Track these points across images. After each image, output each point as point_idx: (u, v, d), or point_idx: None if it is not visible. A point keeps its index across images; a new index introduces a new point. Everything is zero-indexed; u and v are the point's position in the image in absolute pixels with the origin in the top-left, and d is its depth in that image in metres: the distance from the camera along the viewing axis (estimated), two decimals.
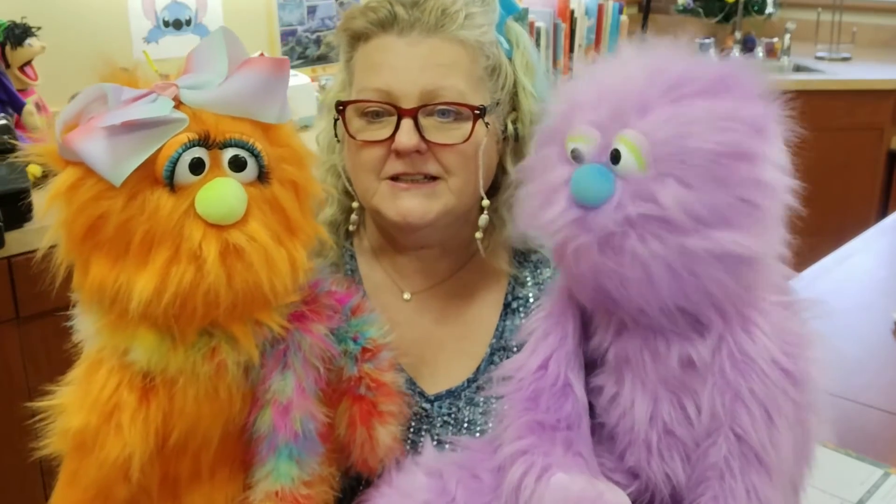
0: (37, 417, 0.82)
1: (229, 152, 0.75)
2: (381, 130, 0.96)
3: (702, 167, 0.70)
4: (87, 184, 0.73)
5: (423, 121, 0.95)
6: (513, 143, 1.04)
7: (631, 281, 0.73)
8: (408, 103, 0.94)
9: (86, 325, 0.82)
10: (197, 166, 0.74)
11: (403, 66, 0.95)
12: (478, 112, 0.96)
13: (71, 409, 0.78)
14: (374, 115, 0.96)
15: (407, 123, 0.94)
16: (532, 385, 0.84)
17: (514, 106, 1.03)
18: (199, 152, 0.74)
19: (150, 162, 0.73)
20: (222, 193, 0.74)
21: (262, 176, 0.77)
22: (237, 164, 0.76)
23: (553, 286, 0.90)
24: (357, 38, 0.99)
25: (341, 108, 0.98)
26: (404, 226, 0.98)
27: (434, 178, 0.97)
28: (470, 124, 0.96)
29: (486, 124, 0.98)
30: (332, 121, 1.02)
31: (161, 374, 0.77)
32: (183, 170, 0.73)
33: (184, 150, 0.73)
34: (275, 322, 0.80)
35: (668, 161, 0.71)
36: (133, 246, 0.73)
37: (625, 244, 0.72)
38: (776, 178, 0.73)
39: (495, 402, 0.89)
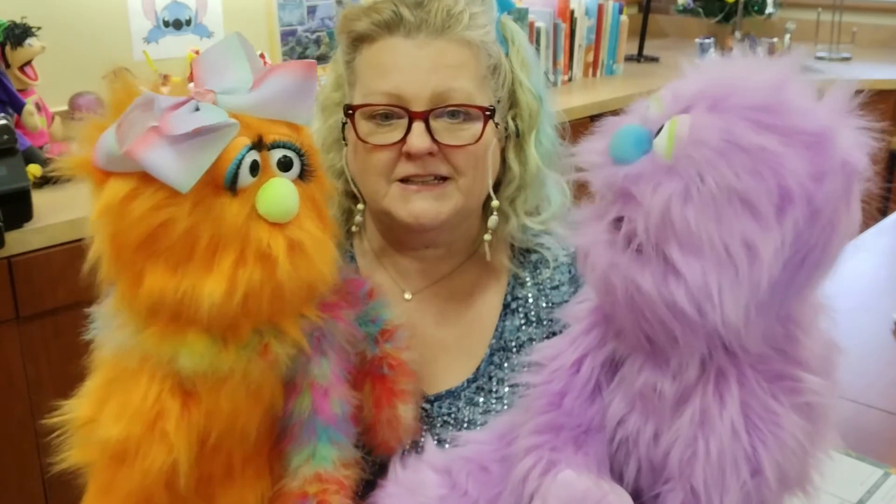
0: (48, 432, 0.81)
1: (277, 153, 0.78)
2: (391, 133, 0.96)
3: (712, 191, 0.65)
4: (144, 193, 0.73)
5: (434, 123, 0.95)
6: (514, 140, 1.04)
7: (600, 264, 0.73)
8: (418, 106, 0.94)
9: (118, 337, 0.80)
10: (254, 168, 0.76)
11: (412, 68, 0.95)
12: (488, 113, 0.97)
13: (107, 419, 0.78)
14: (383, 118, 0.96)
15: (418, 126, 0.94)
16: (562, 381, 0.82)
17: (513, 102, 1.04)
18: (254, 155, 0.76)
19: (210, 167, 0.74)
20: (282, 193, 0.77)
21: (304, 174, 0.80)
22: (285, 165, 0.78)
23: None
24: (360, 40, 0.99)
25: (350, 111, 0.98)
26: (417, 227, 0.98)
27: (444, 179, 0.97)
28: (479, 124, 0.97)
29: (496, 124, 0.99)
30: (334, 121, 1.02)
31: (205, 378, 0.78)
32: (245, 173, 0.75)
33: (245, 154, 0.75)
34: (313, 312, 0.84)
35: (689, 164, 0.67)
36: (198, 251, 0.74)
37: (605, 216, 0.71)
38: (767, 255, 0.65)
39: (520, 390, 0.88)
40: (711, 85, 0.70)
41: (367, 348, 0.93)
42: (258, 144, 0.76)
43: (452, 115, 0.96)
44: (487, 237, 1.04)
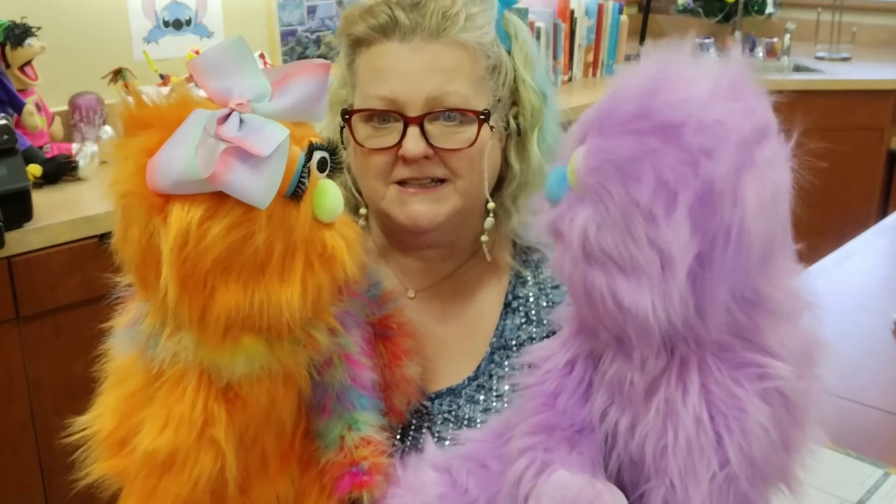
0: (52, 431, 0.81)
1: (317, 155, 0.79)
2: (388, 137, 0.96)
3: (613, 210, 0.68)
4: (220, 213, 0.71)
5: (429, 126, 0.95)
6: (516, 137, 1.04)
7: (566, 285, 0.76)
8: (413, 111, 0.95)
9: (158, 352, 0.79)
10: (322, 170, 0.78)
11: (407, 73, 0.95)
12: (483, 117, 0.97)
13: (151, 431, 0.78)
14: (380, 121, 0.97)
15: (413, 131, 0.95)
16: (555, 382, 0.83)
17: (515, 100, 1.04)
18: (315, 159, 0.78)
19: None
20: (334, 195, 0.79)
21: (332, 171, 0.82)
22: (322, 166, 0.79)
23: None
24: (358, 44, 0.99)
25: (347, 116, 0.99)
26: (414, 229, 0.99)
27: (441, 181, 0.98)
28: (475, 128, 0.97)
29: (491, 127, 0.99)
30: (338, 123, 1.02)
31: (251, 378, 0.78)
32: (304, 180, 0.76)
33: (305, 163, 0.76)
34: (336, 294, 0.85)
35: (590, 191, 0.70)
36: (272, 263, 0.74)
37: (555, 250, 0.74)
38: (676, 249, 0.66)
39: (514, 391, 0.89)
40: (599, 108, 0.73)
41: (374, 312, 0.95)
42: (308, 150, 0.77)
43: (448, 117, 0.96)
44: (485, 238, 1.05)
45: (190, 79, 0.81)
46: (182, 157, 0.70)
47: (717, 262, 0.68)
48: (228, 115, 0.72)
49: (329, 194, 0.78)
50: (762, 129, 0.69)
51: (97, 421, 0.83)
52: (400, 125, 0.95)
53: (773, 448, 0.73)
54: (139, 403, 0.80)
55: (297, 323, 0.76)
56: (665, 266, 0.67)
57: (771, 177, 0.68)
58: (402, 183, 0.97)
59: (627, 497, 0.81)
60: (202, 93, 0.78)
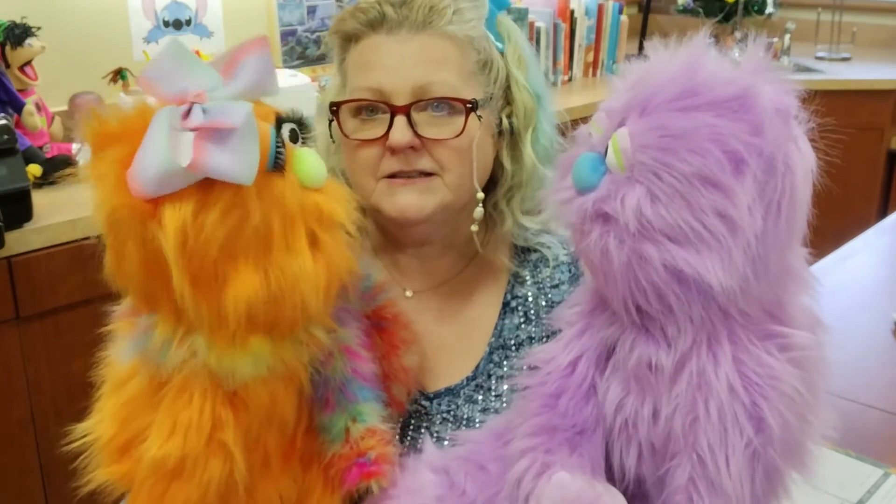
0: (51, 433, 0.81)
1: (286, 128, 0.79)
2: (375, 129, 0.96)
3: (672, 184, 0.70)
4: (210, 201, 0.71)
5: (416, 116, 0.95)
6: (508, 138, 1.04)
7: (596, 268, 0.77)
8: (400, 100, 0.95)
9: (164, 359, 0.78)
10: (294, 140, 0.79)
11: (394, 63, 0.95)
12: (469, 105, 0.97)
13: (158, 438, 0.77)
14: (367, 114, 0.97)
15: (400, 120, 0.95)
16: (557, 382, 0.84)
17: (508, 100, 1.04)
18: (285, 131, 0.78)
19: None
20: (313, 160, 0.79)
21: (303, 143, 0.82)
22: (294, 137, 0.79)
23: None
24: (348, 40, 1.00)
25: (335, 108, 0.99)
26: (403, 221, 0.99)
27: (429, 175, 0.97)
28: (462, 118, 0.97)
29: (479, 117, 0.98)
30: (328, 122, 1.02)
31: (256, 379, 0.78)
32: (280, 151, 0.76)
33: (276, 134, 0.76)
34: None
35: (643, 169, 0.71)
36: (275, 238, 0.74)
37: (590, 235, 0.75)
38: (743, 216, 0.70)
39: (517, 392, 0.89)
40: (635, 94, 0.75)
41: (367, 304, 0.95)
42: (277, 123, 0.78)
43: (436, 107, 0.96)
44: (474, 228, 1.04)
45: None
46: (157, 156, 0.70)
47: (771, 229, 0.71)
48: (189, 108, 0.72)
49: (309, 159, 0.78)
50: (795, 107, 0.75)
51: (97, 427, 0.82)
52: (387, 116, 0.95)
53: (799, 418, 0.75)
54: (140, 408, 0.80)
55: (317, 295, 0.76)
56: (731, 233, 0.70)
57: (807, 149, 0.74)
58: (390, 177, 0.97)
59: (642, 484, 0.81)
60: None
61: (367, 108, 0.97)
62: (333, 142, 1.04)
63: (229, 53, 0.79)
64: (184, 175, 0.70)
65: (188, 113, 0.72)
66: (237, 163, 0.70)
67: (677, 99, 0.72)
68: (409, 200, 0.97)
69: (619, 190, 0.73)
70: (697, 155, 0.69)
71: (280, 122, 0.78)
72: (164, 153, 0.69)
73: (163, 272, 0.72)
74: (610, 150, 0.74)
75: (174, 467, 0.77)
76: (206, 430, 0.77)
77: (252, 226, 0.72)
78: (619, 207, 0.72)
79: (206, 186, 0.71)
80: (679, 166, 0.70)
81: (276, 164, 0.75)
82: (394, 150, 0.95)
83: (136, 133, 0.72)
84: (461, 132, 0.96)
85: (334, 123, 1.00)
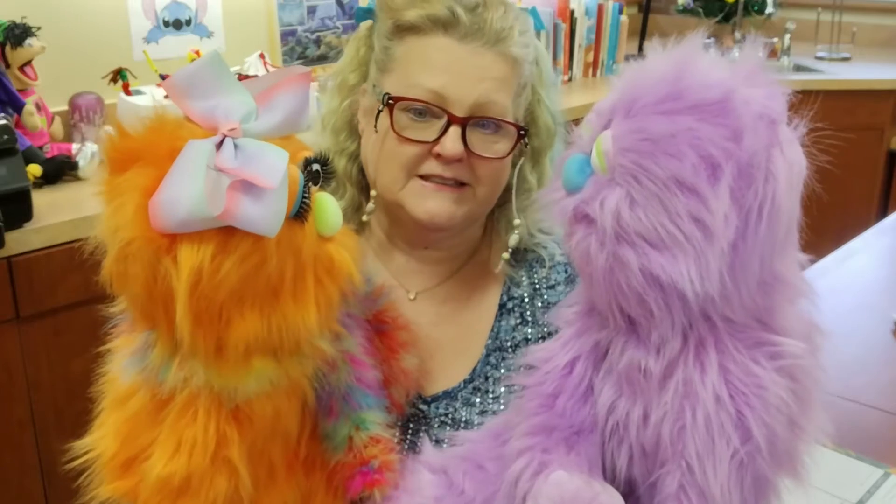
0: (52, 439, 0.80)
1: (310, 167, 0.78)
2: (426, 131, 0.96)
3: (649, 187, 0.70)
4: (230, 246, 0.70)
5: (469, 131, 0.96)
6: (530, 153, 1.06)
7: (582, 271, 0.77)
8: (459, 111, 0.95)
9: (166, 379, 0.77)
10: (309, 194, 0.77)
11: (462, 73, 0.95)
12: (522, 132, 0.99)
13: (162, 457, 0.77)
14: (416, 113, 0.97)
15: (455, 131, 0.95)
16: (555, 382, 0.84)
17: (531, 120, 1.05)
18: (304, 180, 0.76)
19: None
20: (333, 209, 0.78)
21: (324, 181, 0.81)
22: (315, 178, 0.78)
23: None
24: (408, 30, 0.98)
25: (391, 101, 0.97)
26: (429, 225, 0.99)
27: (463, 185, 0.98)
28: (508, 140, 0.98)
29: (526, 144, 1.01)
30: (349, 103, 1.03)
31: (259, 395, 0.78)
32: (307, 200, 0.75)
33: (304, 183, 0.75)
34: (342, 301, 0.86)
35: (623, 172, 0.71)
36: (284, 286, 0.74)
37: (573, 235, 0.75)
38: (718, 222, 0.68)
39: (514, 392, 0.89)
40: (622, 95, 0.75)
41: (367, 308, 0.95)
42: (304, 168, 0.76)
43: (485, 126, 0.97)
44: (506, 256, 1.06)
45: None
46: (187, 195, 0.67)
47: (750, 237, 0.70)
48: (221, 141, 0.70)
49: (329, 208, 0.78)
50: (782, 113, 0.73)
51: (100, 443, 0.82)
52: (440, 122, 0.96)
53: (790, 423, 0.75)
54: (142, 425, 0.80)
55: (314, 338, 0.77)
56: (706, 239, 0.69)
57: (794, 155, 0.72)
58: (425, 177, 0.98)
59: (635, 489, 0.81)
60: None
61: (419, 109, 0.97)
62: (376, 130, 1.00)
63: (267, 79, 0.77)
64: (210, 220, 0.68)
65: (219, 144, 0.70)
66: (266, 216, 0.69)
67: (662, 102, 0.71)
68: (441, 206, 0.97)
69: (601, 192, 0.73)
70: (674, 159, 0.69)
71: (307, 163, 0.77)
72: (196, 197, 0.67)
73: (165, 301, 0.71)
74: (593, 152, 0.74)
75: (180, 485, 0.76)
76: (210, 447, 0.76)
77: (266, 273, 0.72)
78: (599, 210, 0.72)
79: (228, 231, 0.69)
80: (655, 170, 0.69)
81: (300, 212, 0.74)
82: (440, 157, 0.96)
83: (161, 157, 0.70)
84: (507, 154, 0.98)
85: (382, 113, 0.98)
